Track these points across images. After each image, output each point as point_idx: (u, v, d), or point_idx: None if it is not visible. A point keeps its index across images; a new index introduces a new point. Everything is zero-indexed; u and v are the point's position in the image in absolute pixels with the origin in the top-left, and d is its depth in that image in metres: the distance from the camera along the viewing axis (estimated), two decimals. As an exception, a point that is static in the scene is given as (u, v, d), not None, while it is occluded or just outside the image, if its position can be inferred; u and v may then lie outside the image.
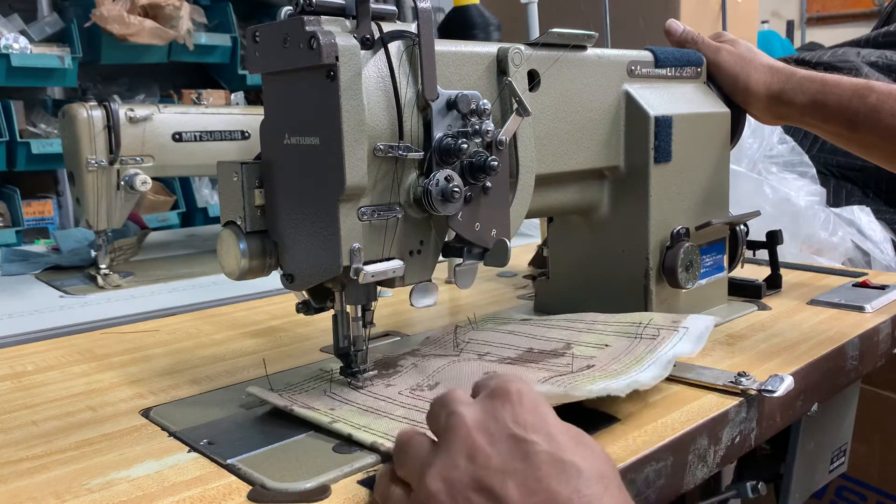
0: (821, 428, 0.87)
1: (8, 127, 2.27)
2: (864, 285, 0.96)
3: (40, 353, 0.82)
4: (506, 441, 0.42)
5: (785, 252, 1.23)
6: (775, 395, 0.62)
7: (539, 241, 1.22)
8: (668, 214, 0.80)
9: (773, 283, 0.96)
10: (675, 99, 0.81)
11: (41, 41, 2.35)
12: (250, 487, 0.50)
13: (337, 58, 0.53)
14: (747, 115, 0.91)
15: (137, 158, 1.27)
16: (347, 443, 0.55)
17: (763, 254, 0.99)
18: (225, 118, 1.39)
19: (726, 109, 0.87)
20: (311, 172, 0.57)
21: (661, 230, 0.80)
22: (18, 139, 2.27)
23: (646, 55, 0.82)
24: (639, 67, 0.80)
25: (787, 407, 0.69)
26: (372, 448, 0.53)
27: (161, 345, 0.84)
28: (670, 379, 0.64)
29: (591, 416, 0.58)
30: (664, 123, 0.78)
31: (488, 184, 0.62)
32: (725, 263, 0.89)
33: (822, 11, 4.97)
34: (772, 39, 3.70)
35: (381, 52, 0.57)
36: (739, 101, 0.88)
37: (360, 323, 0.63)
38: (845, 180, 1.59)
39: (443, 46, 0.62)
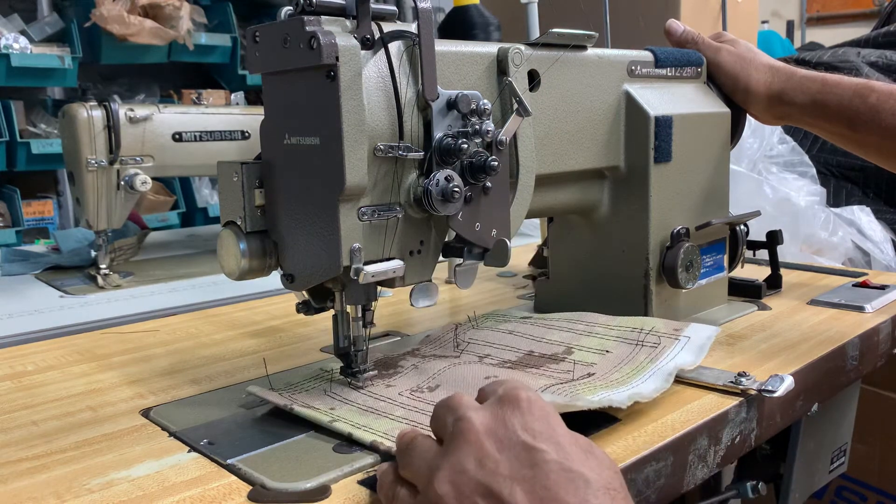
0: (821, 428, 0.87)
1: (8, 127, 2.28)
2: (864, 285, 0.96)
3: (40, 353, 0.82)
4: (515, 448, 0.42)
5: (785, 252, 1.23)
6: (775, 395, 0.62)
7: (539, 241, 1.22)
8: (668, 214, 0.80)
9: (774, 283, 0.96)
10: (675, 99, 0.81)
11: (41, 41, 2.35)
12: (250, 487, 0.50)
13: (337, 58, 0.54)
14: (747, 115, 0.91)
15: (137, 158, 1.27)
16: (347, 443, 0.55)
17: (763, 254, 0.99)
18: (225, 118, 1.39)
19: (726, 109, 0.87)
20: (311, 172, 0.57)
21: (661, 230, 0.80)
22: (18, 139, 2.28)
23: (646, 55, 0.82)
24: (639, 67, 0.80)
25: (787, 407, 0.69)
26: (371, 447, 0.53)
27: (161, 345, 0.84)
28: (670, 379, 0.64)
29: (591, 416, 0.58)
30: (664, 123, 0.78)
31: (488, 184, 0.62)
32: (725, 263, 0.89)
33: (822, 11, 4.97)
34: (772, 39, 3.70)
35: (382, 52, 0.57)
36: (740, 101, 0.88)
37: (360, 323, 0.63)
38: (845, 180, 1.58)
39: (443, 46, 0.62)
